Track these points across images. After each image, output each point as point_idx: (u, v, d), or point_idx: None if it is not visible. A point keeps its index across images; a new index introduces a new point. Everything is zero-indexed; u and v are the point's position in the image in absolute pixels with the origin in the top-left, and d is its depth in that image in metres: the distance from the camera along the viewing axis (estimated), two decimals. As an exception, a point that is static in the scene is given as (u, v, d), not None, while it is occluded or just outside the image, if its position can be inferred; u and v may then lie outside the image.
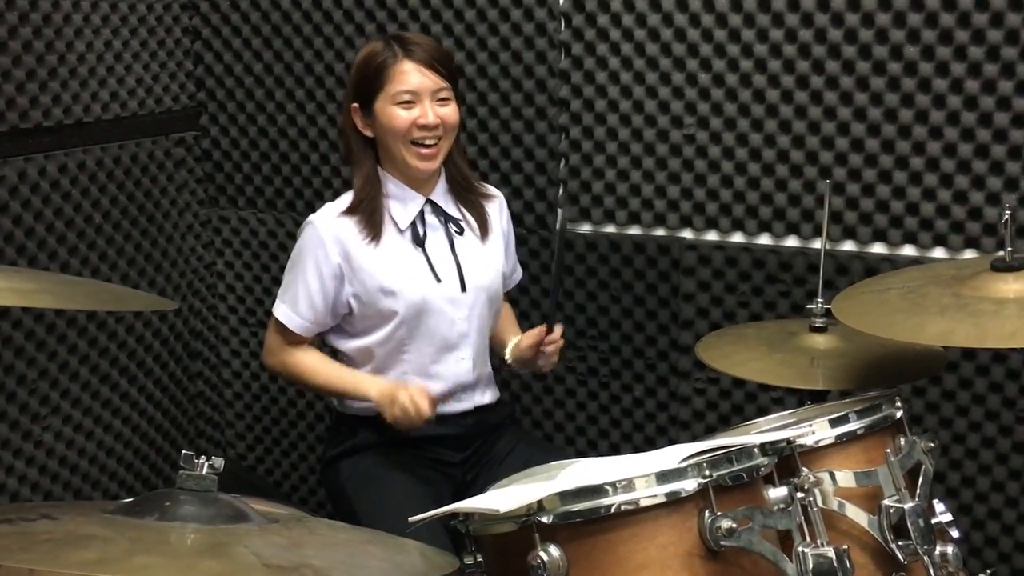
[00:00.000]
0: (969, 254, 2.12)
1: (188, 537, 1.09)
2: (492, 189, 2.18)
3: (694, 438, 2.40)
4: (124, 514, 1.15)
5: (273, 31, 2.60)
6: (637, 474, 1.26)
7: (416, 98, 1.96)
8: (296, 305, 2.03)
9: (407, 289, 1.99)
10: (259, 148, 2.69)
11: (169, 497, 1.17)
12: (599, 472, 1.43)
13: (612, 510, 1.25)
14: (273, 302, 2.09)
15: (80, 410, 2.38)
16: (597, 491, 1.26)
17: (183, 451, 1.19)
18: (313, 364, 2.08)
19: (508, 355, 2.13)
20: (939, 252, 2.15)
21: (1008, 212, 1.57)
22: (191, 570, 1.01)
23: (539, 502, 1.26)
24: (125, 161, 2.49)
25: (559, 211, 2.40)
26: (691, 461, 1.29)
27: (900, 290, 1.64)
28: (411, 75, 1.95)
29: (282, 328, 2.05)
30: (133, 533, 1.08)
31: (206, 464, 1.19)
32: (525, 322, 2.46)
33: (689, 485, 1.26)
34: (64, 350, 2.33)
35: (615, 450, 2.49)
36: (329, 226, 2.00)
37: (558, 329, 2.04)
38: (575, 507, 1.26)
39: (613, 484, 1.26)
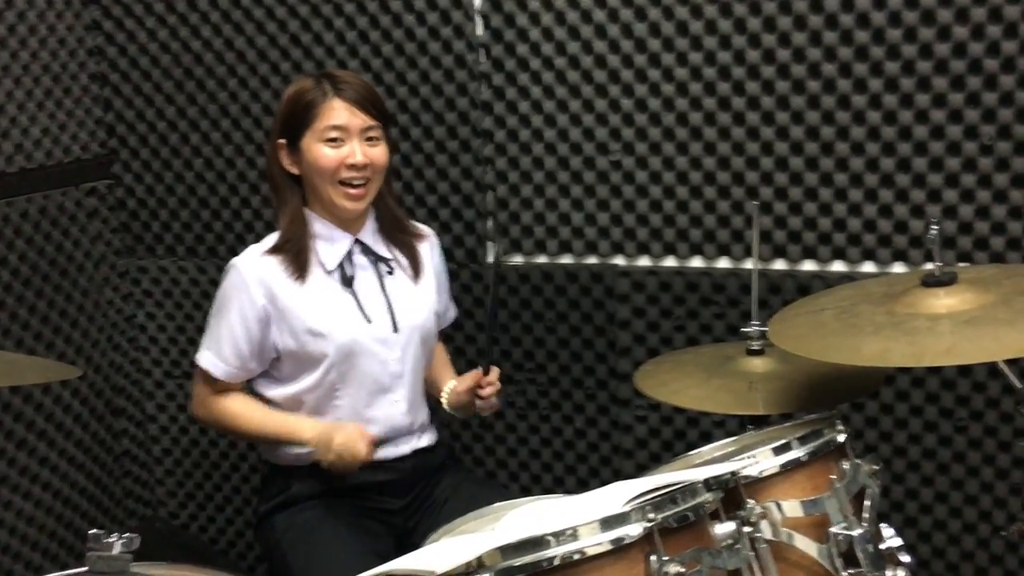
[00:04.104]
0: (898, 267, 2.13)
1: (100, 628, 1.01)
2: (424, 228, 2.13)
3: (638, 467, 2.37)
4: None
5: (185, 73, 2.52)
6: (580, 522, 1.22)
7: (345, 136, 1.91)
8: (221, 351, 1.95)
9: (336, 331, 1.93)
10: (176, 194, 2.60)
11: (80, 582, 1.09)
12: (540, 518, 1.38)
13: (556, 562, 1.20)
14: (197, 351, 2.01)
15: (-5, 479, 2.26)
16: (539, 543, 1.20)
17: (91, 531, 1.11)
18: (242, 410, 2.00)
19: (444, 400, 2.08)
20: (869, 267, 2.15)
21: (935, 227, 1.57)
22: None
23: (479, 559, 1.20)
24: (34, 215, 2.38)
25: (493, 246, 2.36)
26: (634, 504, 1.25)
27: (834, 310, 1.63)
28: (340, 112, 1.91)
29: (207, 376, 1.98)
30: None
31: (119, 543, 1.11)
32: (461, 358, 2.41)
33: (634, 530, 1.22)
34: (-25, 417, 2.21)
35: (559, 483, 2.45)
36: (252, 268, 1.94)
37: (494, 372, 2.00)
38: (517, 561, 1.20)
39: (556, 534, 1.21)
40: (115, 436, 2.62)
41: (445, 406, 2.09)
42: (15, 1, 2.34)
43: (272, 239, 1.98)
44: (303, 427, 1.93)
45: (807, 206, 2.15)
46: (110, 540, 1.10)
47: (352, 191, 1.93)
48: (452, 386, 2.08)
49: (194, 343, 2.63)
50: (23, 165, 2.36)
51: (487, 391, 2.00)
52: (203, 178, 2.57)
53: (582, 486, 2.42)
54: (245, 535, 2.72)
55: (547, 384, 2.41)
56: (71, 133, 2.50)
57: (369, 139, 1.94)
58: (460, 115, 2.34)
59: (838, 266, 2.17)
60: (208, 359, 1.97)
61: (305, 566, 1.89)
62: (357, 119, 1.92)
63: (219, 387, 1.99)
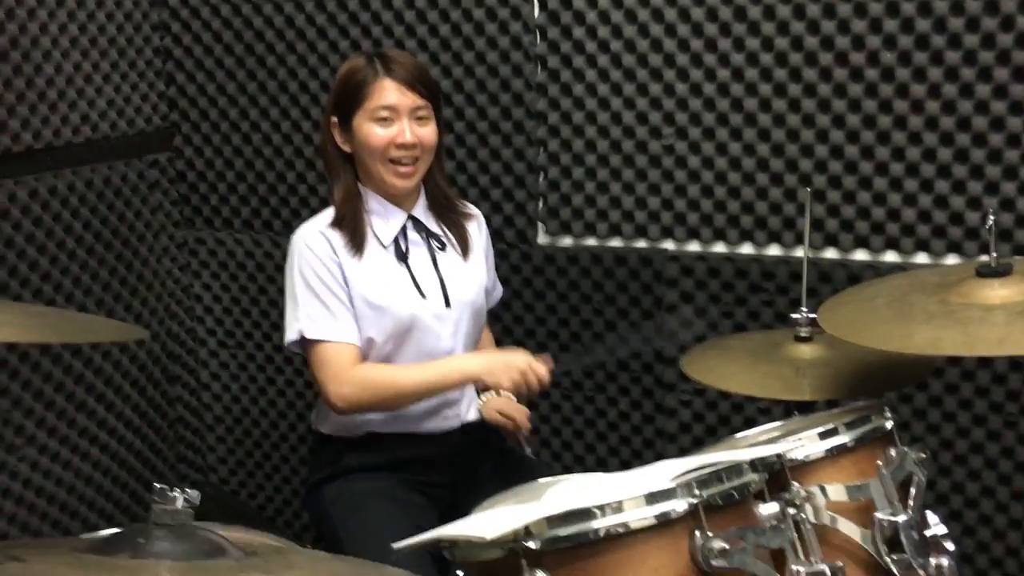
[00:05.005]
0: (952, 259, 2.11)
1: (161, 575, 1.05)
2: (471, 208, 2.15)
3: (681, 451, 2.38)
4: (96, 552, 1.11)
5: (246, 50, 2.57)
6: (625, 496, 1.24)
7: (394, 115, 1.94)
8: (336, 320, 1.92)
9: (394, 304, 1.96)
10: (234, 168, 2.66)
11: (143, 533, 1.13)
12: (586, 492, 1.40)
13: (601, 534, 1.22)
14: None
15: (56, 439, 2.33)
16: (585, 514, 1.23)
17: (155, 484, 1.15)
18: (391, 370, 1.95)
19: (480, 405, 2.10)
20: (922, 258, 2.14)
21: (992, 218, 1.56)
22: (165, 611, 0.97)
23: (526, 527, 1.23)
24: (97, 184, 2.45)
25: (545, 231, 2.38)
26: (680, 480, 1.27)
27: (886, 298, 1.63)
28: (390, 92, 1.93)
29: (339, 351, 1.90)
30: (104, 573, 1.04)
31: (181, 498, 1.15)
32: (508, 337, 2.44)
33: (679, 506, 1.23)
34: (38, 378, 2.28)
35: (602, 465, 2.47)
36: (320, 239, 1.96)
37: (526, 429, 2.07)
38: (563, 531, 1.23)
39: (601, 507, 1.23)
40: (170, 402, 2.69)
41: (480, 408, 2.11)
42: (85, -24, 2.40)
43: (328, 214, 2.01)
44: (466, 360, 1.95)
45: (861, 195, 2.14)
46: (174, 495, 1.14)
47: (402, 169, 1.95)
48: (488, 402, 2.10)
49: (248, 315, 2.69)
50: (88, 136, 2.43)
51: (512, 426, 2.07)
52: (261, 153, 2.62)
53: (625, 468, 2.43)
54: (292, 503, 2.78)
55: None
56: (135, 106, 2.56)
57: (419, 118, 1.95)
58: (514, 96, 2.36)
59: (890, 256, 2.16)
60: (335, 332, 1.91)
61: (354, 535, 1.92)
62: (407, 99, 1.94)
63: (354, 356, 1.93)
